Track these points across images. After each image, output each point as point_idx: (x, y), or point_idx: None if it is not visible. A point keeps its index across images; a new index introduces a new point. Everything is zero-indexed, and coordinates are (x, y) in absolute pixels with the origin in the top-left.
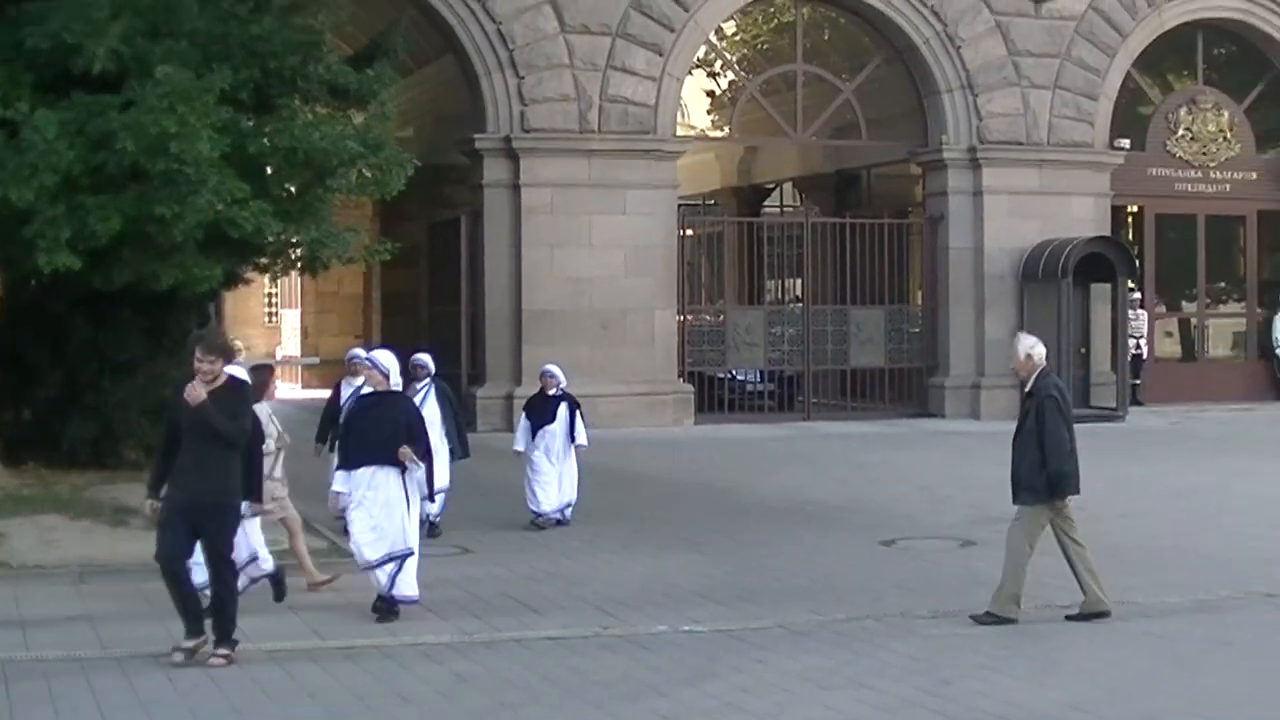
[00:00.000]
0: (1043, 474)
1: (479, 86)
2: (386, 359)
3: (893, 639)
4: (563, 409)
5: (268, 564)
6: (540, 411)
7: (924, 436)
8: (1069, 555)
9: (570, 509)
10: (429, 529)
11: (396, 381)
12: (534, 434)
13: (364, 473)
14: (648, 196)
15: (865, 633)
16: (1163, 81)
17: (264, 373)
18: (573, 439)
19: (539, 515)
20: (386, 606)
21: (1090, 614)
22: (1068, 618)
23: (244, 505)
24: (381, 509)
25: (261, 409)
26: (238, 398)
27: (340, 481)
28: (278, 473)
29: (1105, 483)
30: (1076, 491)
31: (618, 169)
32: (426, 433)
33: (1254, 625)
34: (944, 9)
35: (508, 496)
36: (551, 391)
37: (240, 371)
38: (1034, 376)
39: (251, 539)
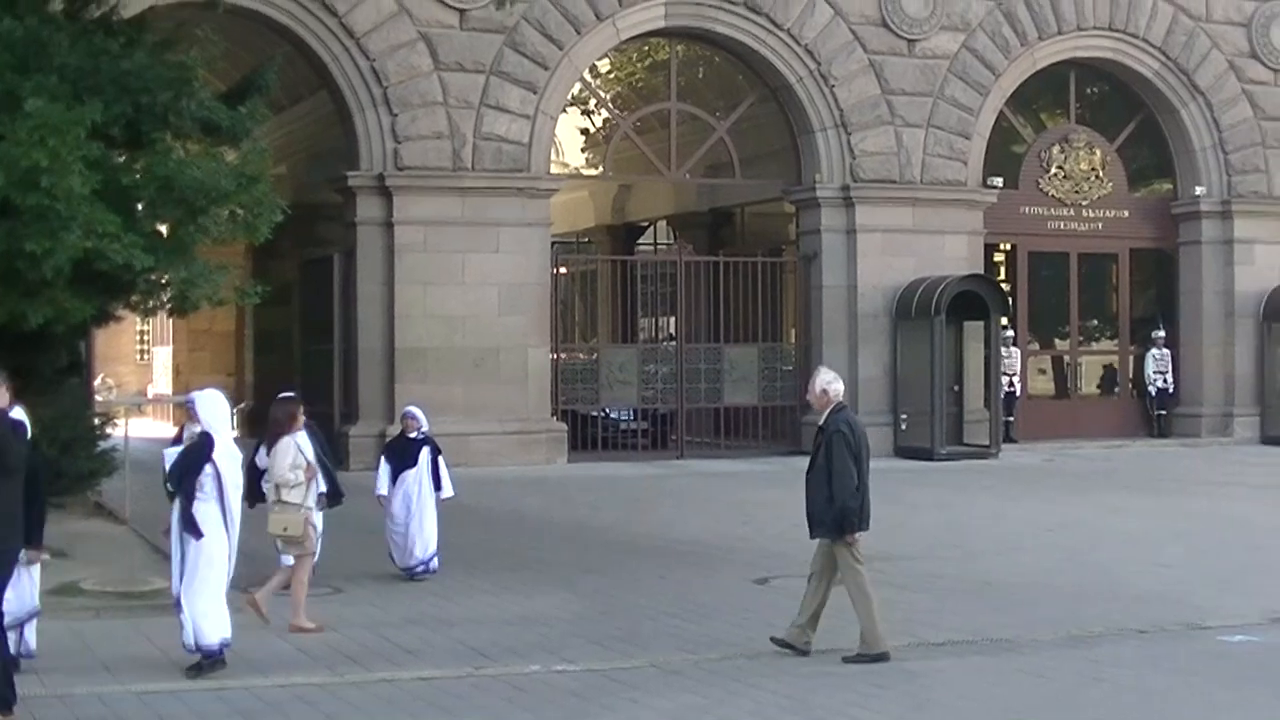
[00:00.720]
0: (831, 509)
1: (352, 124)
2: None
3: (765, 677)
4: (424, 453)
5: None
6: (401, 455)
7: (797, 474)
8: (823, 591)
9: (435, 559)
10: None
11: (208, 425)
12: (394, 478)
13: None
14: (521, 234)
15: (738, 671)
16: (1035, 120)
17: (291, 404)
18: (437, 487)
19: (406, 569)
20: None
21: (789, 645)
22: (845, 659)
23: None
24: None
25: (289, 441)
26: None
27: None
28: (310, 501)
29: (979, 520)
30: (865, 527)
31: (491, 207)
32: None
33: (1126, 661)
34: (818, 48)
35: (380, 536)
36: (413, 434)
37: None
38: (827, 412)
39: (30, 592)
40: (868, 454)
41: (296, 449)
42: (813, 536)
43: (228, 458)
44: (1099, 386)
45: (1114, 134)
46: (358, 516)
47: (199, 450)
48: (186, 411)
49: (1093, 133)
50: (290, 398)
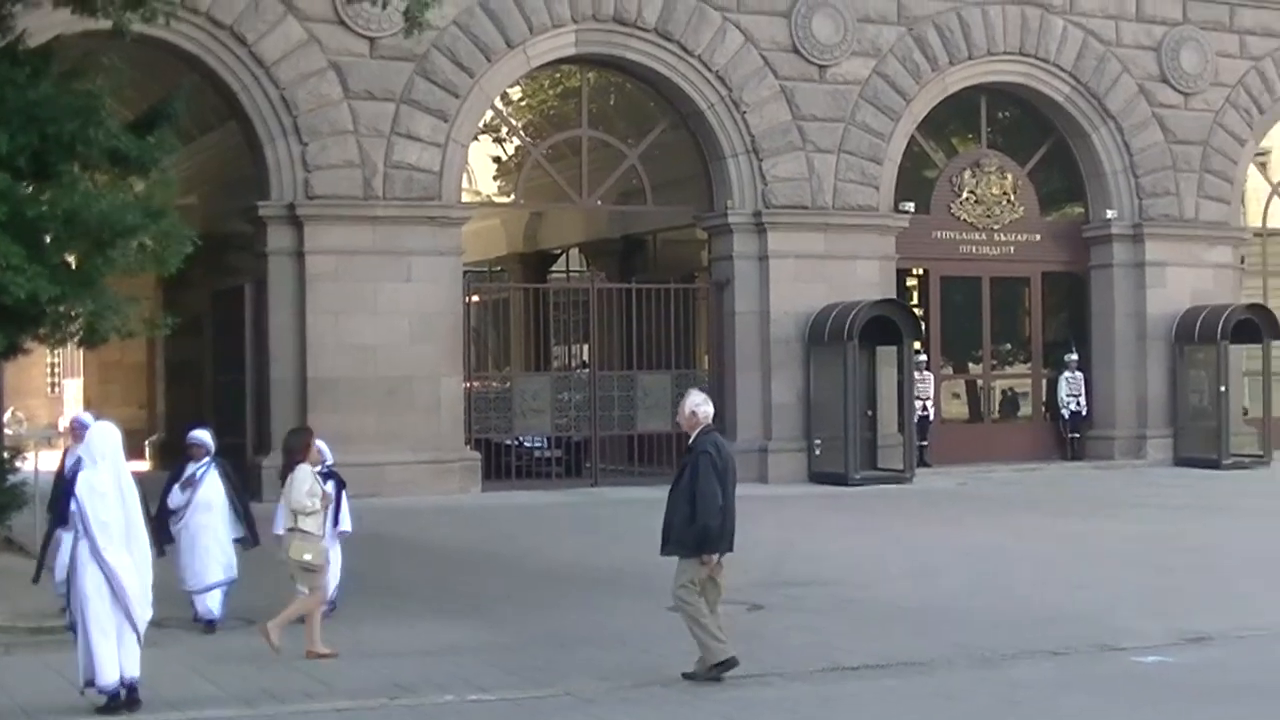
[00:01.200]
0: (691, 529)
1: (262, 153)
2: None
3: (680, 705)
4: (329, 487)
5: None
6: None
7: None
8: (682, 611)
9: (338, 594)
10: (206, 625)
11: (85, 453)
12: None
13: None
14: (433, 263)
15: (653, 699)
16: (947, 145)
17: (304, 434)
18: (336, 522)
19: None
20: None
21: (711, 665)
22: (684, 675)
23: None
24: None
25: (306, 470)
26: None
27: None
28: (325, 529)
29: (893, 544)
30: (727, 549)
31: (402, 236)
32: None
33: (1040, 683)
34: (729, 74)
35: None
36: (316, 468)
37: None
38: (696, 433)
39: None
40: (734, 477)
41: (314, 478)
42: (664, 554)
43: (95, 493)
44: (1011, 410)
45: (1025, 158)
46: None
47: (64, 481)
48: (73, 432)
49: (1004, 157)
50: (303, 429)
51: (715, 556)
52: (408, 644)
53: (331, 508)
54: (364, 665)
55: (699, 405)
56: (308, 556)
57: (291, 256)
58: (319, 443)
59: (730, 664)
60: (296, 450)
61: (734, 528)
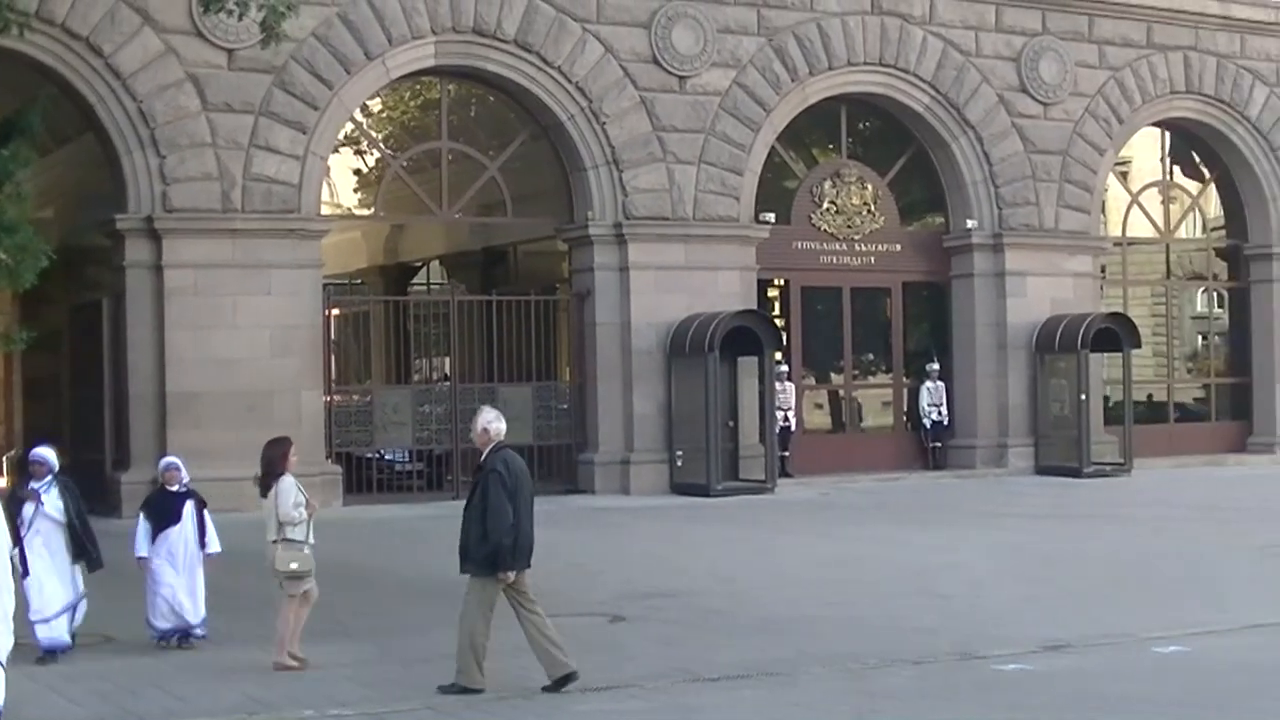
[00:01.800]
0: (484, 547)
1: (120, 166)
2: None
3: (540, 716)
4: (189, 508)
5: None
6: (162, 511)
7: (574, 513)
8: (524, 627)
9: (204, 624)
10: (45, 654)
11: None
12: (155, 536)
13: None
14: (292, 276)
15: (514, 711)
16: (808, 155)
17: (283, 444)
18: (203, 544)
19: (163, 635)
20: None
21: (559, 680)
22: (544, 689)
23: None
24: None
25: (290, 481)
26: None
27: None
28: (312, 538)
29: (754, 554)
30: (524, 565)
31: (262, 249)
32: None
33: (900, 692)
34: (589, 85)
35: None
36: (174, 487)
37: None
38: (487, 450)
39: None
40: (529, 492)
41: (297, 489)
42: (462, 572)
43: None
44: (874, 420)
45: (886, 168)
46: (129, 563)
47: None
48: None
49: (864, 167)
50: (281, 438)
51: (511, 574)
52: (267, 659)
53: (196, 529)
54: (226, 682)
55: (490, 422)
56: (294, 565)
57: (150, 270)
58: (175, 459)
59: (479, 691)
60: (275, 461)
61: (531, 544)
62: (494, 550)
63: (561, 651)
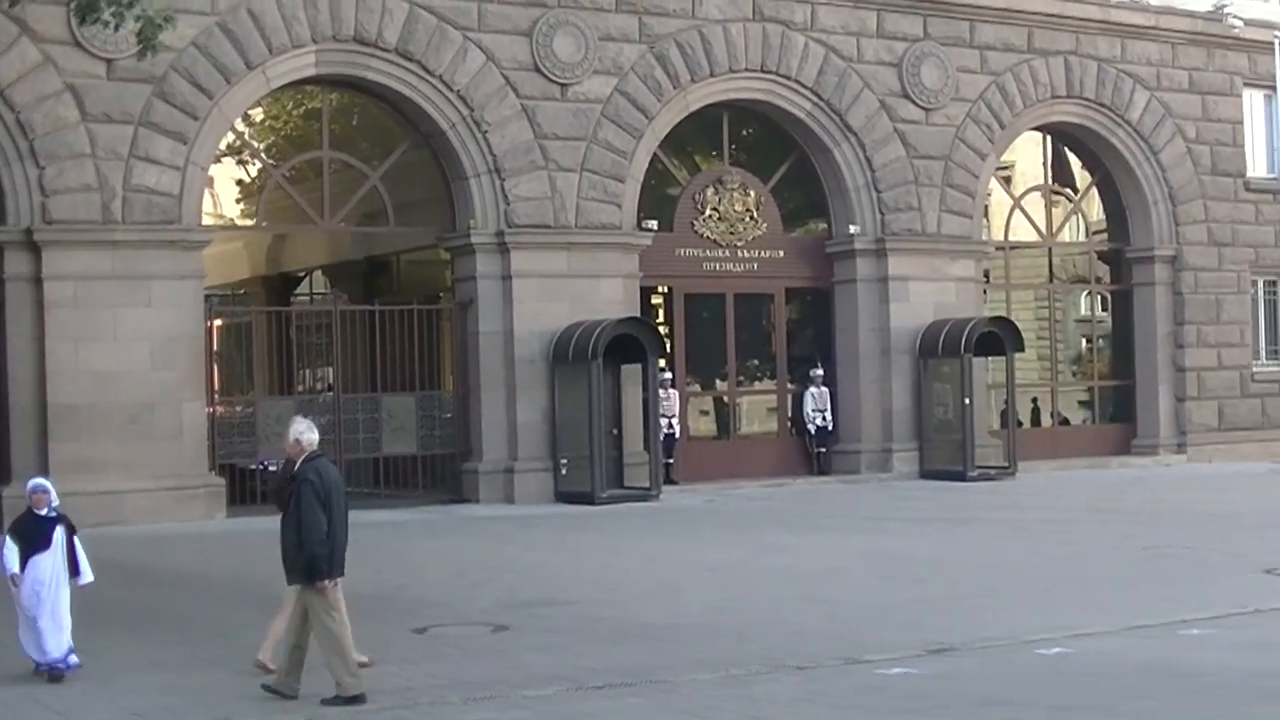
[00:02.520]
0: (300, 556)
1: None
2: None
3: None
4: (58, 533)
5: None
6: (31, 536)
7: (458, 523)
8: (293, 636)
9: (73, 654)
10: None
11: None
12: (24, 563)
13: None
14: (174, 287)
15: None
16: (690, 162)
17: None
18: (76, 572)
19: (40, 666)
20: None
21: (345, 698)
22: (323, 701)
23: None
24: None
25: None
26: None
27: None
28: None
29: (640, 562)
30: (339, 574)
31: (143, 260)
32: None
33: (784, 698)
34: (470, 94)
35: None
36: (42, 511)
37: None
38: (300, 460)
39: None
40: (342, 501)
41: None
42: (289, 583)
43: None
44: (758, 426)
45: (768, 175)
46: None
47: None
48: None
49: (747, 174)
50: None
51: (327, 583)
52: (149, 676)
53: (65, 556)
54: (103, 695)
55: (303, 433)
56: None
57: (29, 283)
58: (43, 481)
59: (360, 699)
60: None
61: (344, 553)
62: (310, 560)
63: (351, 672)
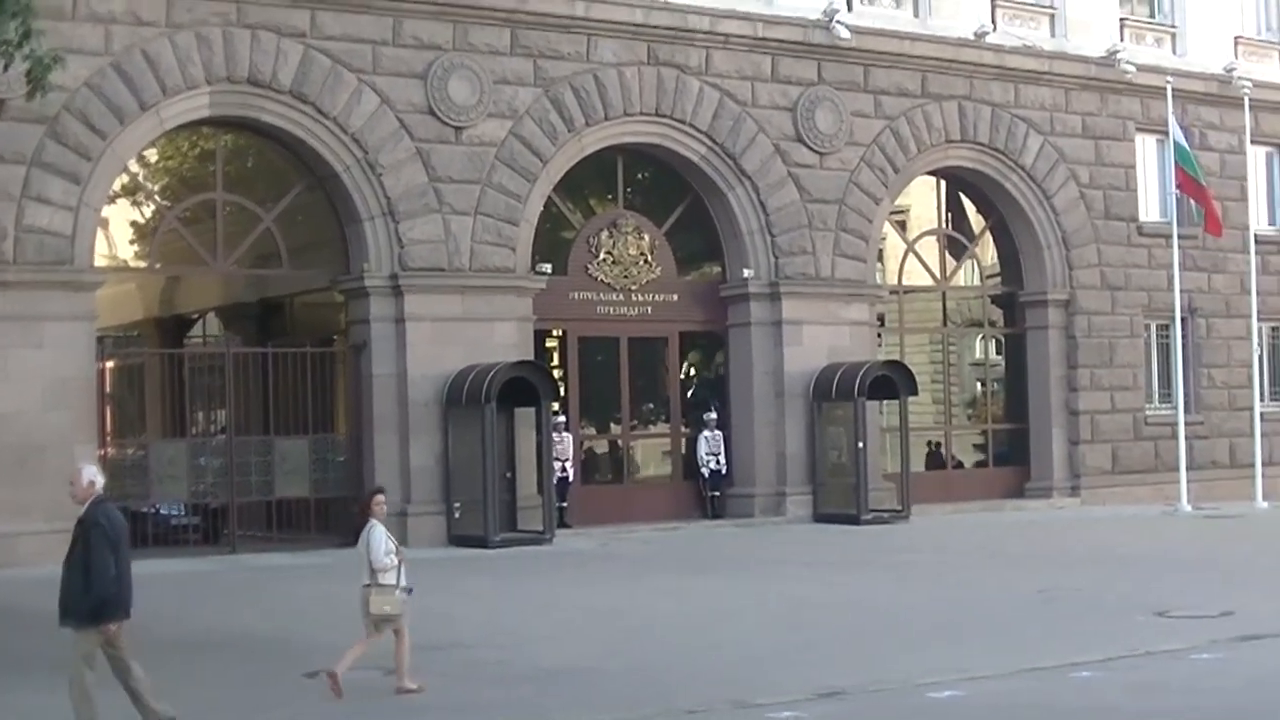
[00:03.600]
0: (87, 599)
1: None
2: None
3: None
4: None
5: None
6: None
7: (351, 566)
8: (123, 681)
9: None
10: None
11: None
12: None
13: None
14: (66, 329)
15: None
16: (585, 206)
17: (371, 492)
18: None
19: None
20: None
21: None
22: None
23: None
24: None
25: (381, 529)
26: None
27: None
28: (404, 581)
29: (533, 606)
30: (124, 616)
31: (34, 301)
32: None
33: None
34: (364, 136)
35: None
36: None
37: None
38: (89, 504)
39: None
40: (126, 546)
41: (388, 538)
42: (62, 625)
43: None
44: (653, 469)
45: (663, 218)
46: None
47: None
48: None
49: (641, 217)
50: (375, 488)
51: (114, 625)
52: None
53: None
54: None
55: (93, 477)
56: (386, 609)
57: None
58: None
59: None
60: (362, 508)
61: (130, 596)
62: (98, 602)
63: (158, 709)
